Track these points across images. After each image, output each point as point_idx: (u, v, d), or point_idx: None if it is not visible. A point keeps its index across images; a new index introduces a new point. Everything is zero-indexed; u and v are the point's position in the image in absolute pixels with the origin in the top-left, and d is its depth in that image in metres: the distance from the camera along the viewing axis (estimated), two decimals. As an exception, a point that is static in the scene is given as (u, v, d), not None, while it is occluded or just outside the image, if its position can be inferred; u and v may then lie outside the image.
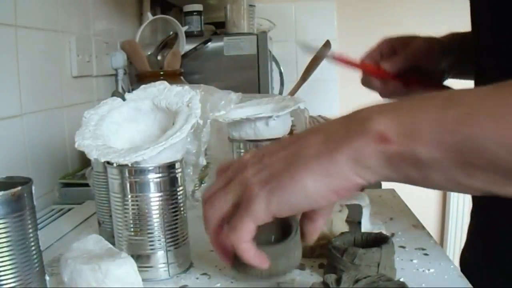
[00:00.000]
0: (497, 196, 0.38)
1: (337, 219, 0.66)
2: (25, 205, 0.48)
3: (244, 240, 0.47)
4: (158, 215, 0.61)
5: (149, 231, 0.61)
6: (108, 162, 0.61)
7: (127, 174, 0.60)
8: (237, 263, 0.60)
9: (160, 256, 0.62)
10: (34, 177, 0.51)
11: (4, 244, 0.46)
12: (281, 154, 0.44)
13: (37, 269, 0.50)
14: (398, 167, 0.39)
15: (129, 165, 0.59)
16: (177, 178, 0.63)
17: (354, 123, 0.40)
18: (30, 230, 0.49)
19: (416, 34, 0.77)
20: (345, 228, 0.66)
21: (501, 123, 0.35)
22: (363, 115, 0.40)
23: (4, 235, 0.46)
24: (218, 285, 0.60)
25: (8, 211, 0.46)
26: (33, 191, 0.50)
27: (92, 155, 0.60)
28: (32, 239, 0.49)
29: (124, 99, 0.69)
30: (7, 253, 0.47)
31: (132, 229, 0.61)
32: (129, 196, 0.61)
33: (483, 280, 0.67)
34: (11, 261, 0.47)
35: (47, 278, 0.52)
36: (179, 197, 0.63)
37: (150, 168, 0.60)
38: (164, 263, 0.62)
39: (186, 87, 0.68)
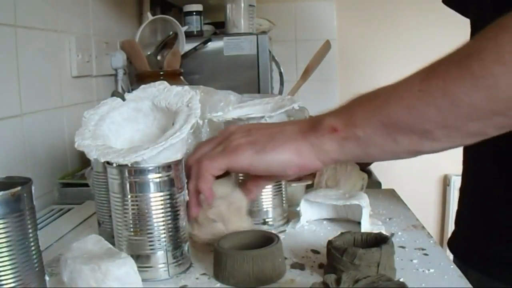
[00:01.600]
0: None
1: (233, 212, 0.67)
2: (25, 205, 0.48)
3: (211, 172, 0.60)
4: (158, 215, 0.61)
5: (148, 231, 0.61)
6: (108, 162, 0.61)
7: (126, 174, 0.60)
8: (219, 271, 0.60)
9: (160, 256, 0.62)
10: (33, 177, 0.51)
11: (4, 244, 0.46)
12: (266, 131, 0.60)
13: (37, 269, 0.50)
14: (346, 148, 0.55)
15: (129, 165, 0.59)
16: (177, 178, 0.63)
17: (316, 121, 0.57)
18: (30, 230, 0.49)
19: None
20: (242, 222, 0.67)
21: (405, 100, 0.50)
22: (321, 117, 0.57)
23: (4, 235, 0.46)
24: (218, 285, 0.60)
25: (7, 211, 0.46)
26: (33, 191, 0.50)
27: (92, 155, 0.60)
28: (32, 239, 0.49)
29: (124, 99, 0.69)
30: (7, 253, 0.47)
31: (132, 229, 0.61)
32: (129, 196, 0.61)
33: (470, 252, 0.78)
34: (11, 261, 0.47)
35: (47, 278, 0.52)
36: (179, 197, 0.63)
37: (150, 168, 0.60)
38: (164, 263, 0.62)
39: (186, 87, 0.68)
